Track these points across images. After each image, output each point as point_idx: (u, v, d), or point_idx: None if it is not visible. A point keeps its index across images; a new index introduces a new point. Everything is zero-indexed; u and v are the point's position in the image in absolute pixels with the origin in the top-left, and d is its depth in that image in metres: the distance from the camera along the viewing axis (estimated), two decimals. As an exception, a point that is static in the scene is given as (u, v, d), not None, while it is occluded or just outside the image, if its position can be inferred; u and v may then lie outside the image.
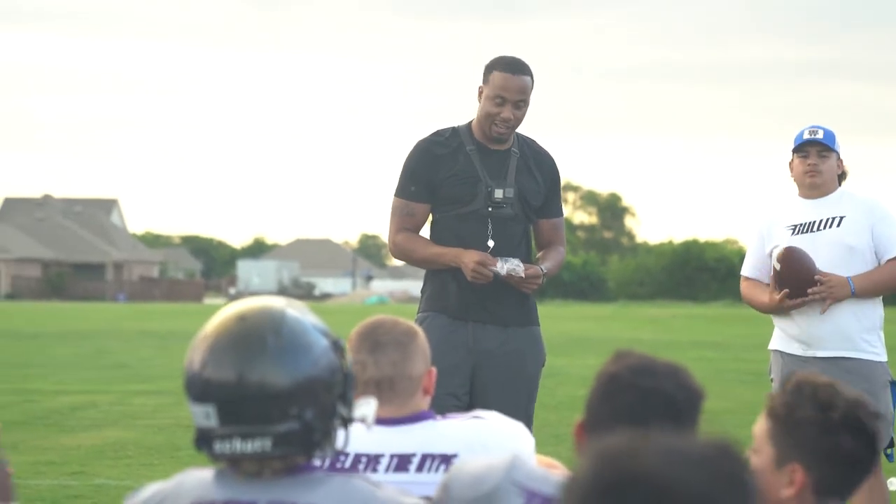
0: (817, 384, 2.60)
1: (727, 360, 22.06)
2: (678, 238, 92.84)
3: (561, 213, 5.88)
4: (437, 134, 5.72)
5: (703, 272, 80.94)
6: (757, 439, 2.60)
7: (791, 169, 6.17)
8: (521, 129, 5.74)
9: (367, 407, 2.70)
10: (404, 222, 5.71)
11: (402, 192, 5.70)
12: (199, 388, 2.51)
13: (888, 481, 6.04)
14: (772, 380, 6.21)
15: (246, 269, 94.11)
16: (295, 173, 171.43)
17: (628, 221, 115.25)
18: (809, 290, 5.91)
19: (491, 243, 5.58)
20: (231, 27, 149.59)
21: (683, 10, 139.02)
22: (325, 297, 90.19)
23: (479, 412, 3.28)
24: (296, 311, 2.56)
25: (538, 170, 5.73)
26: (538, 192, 5.71)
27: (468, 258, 5.52)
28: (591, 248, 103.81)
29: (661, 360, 2.65)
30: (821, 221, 6.05)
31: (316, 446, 2.53)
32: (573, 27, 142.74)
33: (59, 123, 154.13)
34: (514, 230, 5.66)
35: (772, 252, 6.12)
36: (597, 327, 38.42)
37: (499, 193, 5.60)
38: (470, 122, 5.71)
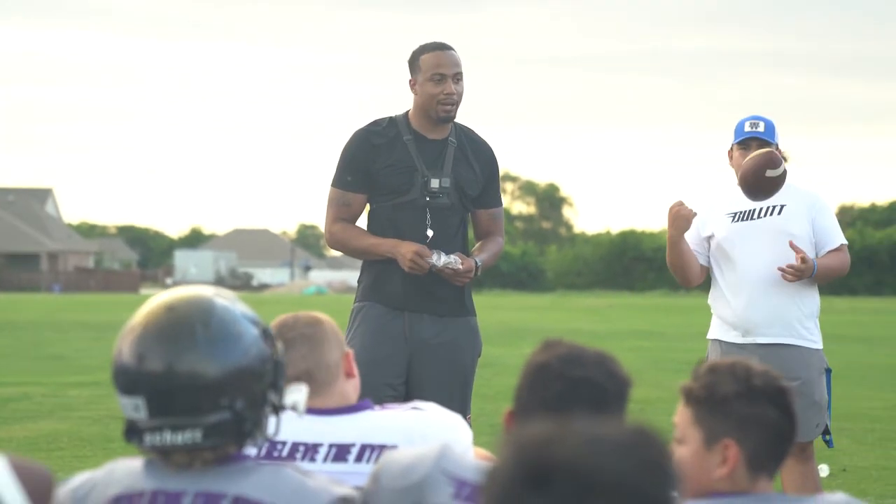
0: (729, 362, 2.63)
1: (663, 350, 22.19)
2: (615, 228, 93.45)
3: (499, 203, 5.88)
4: (375, 124, 5.71)
5: (640, 262, 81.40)
6: (680, 428, 2.61)
7: (730, 158, 6.21)
8: (459, 119, 5.74)
9: (297, 394, 2.69)
10: (340, 212, 5.70)
11: (338, 182, 5.69)
12: (127, 380, 2.49)
13: (819, 468, 6.09)
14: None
15: (183, 260, 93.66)
16: (232, 163, 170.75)
17: (566, 212, 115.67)
18: (783, 268, 5.90)
19: (430, 233, 5.58)
20: (169, 18, 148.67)
21: (623, 0, 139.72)
22: (264, 287, 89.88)
23: (417, 403, 3.29)
24: (225, 300, 2.54)
25: (476, 160, 5.73)
26: (475, 182, 5.71)
27: (405, 249, 5.52)
28: (530, 238, 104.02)
29: (589, 349, 2.67)
30: (761, 210, 6.08)
31: (247, 436, 2.51)
32: (512, 17, 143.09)
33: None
34: (451, 220, 5.66)
35: (710, 237, 6.16)
36: (535, 317, 38.53)
37: (435, 183, 5.60)
38: (407, 112, 5.70)
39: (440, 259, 5.51)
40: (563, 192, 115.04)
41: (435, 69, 5.58)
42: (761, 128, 6.11)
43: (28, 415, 12.28)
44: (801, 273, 5.91)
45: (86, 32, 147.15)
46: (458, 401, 5.47)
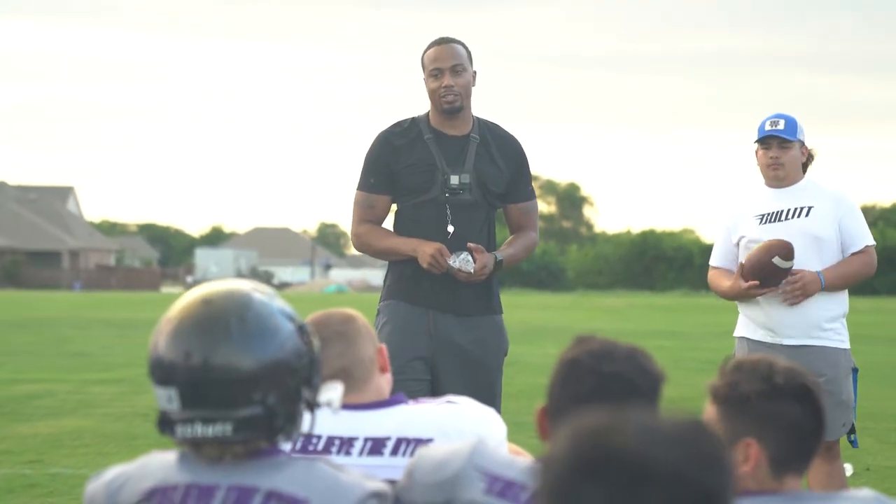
0: (754, 360, 2.63)
1: (685, 349, 22.15)
2: (636, 228, 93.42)
3: (530, 197, 5.87)
4: (397, 125, 5.75)
5: (660, 262, 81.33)
6: None
7: (756, 158, 6.19)
8: (483, 115, 5.76)
9: (332, 391, 2.70)
10: (365, 214, 5.75)
11: (362, 184, 5.75)
12: (161, 371, 2.50)
13: (844, 466, 6.08)
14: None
15: (203, 258, 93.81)
16: (253, 161, 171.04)
17: (587, 211, 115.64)
18: (781, 289, 5.94)
19: (451, 229, 5.60)
20: (191, 15, 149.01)
21: (644, 1, 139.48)
22: (284, 286, 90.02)
23: (452, 397, 3.30)
24: (262, 294, 2.55)
25: (501, 155, 5.74)
26: (499, 178, 5.71)
27: (426, 248, 5.55)
28: (550, 237, 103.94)
29: (621, 344, 2.67)
30: (788, 211, 6.07)
31: (279, 431, 2.52)
32: (535, 16, 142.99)
33: (15, 110, 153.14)
34: (475, 216, 5.67)
35: (740, 241, 6.14)
36: (556, 316, 38.52)
37: (455, 180, 5.61)
38: (427, 113, 5.74)
39: (455, 261, 5.53)
40: (584, 192, 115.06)
41: (432, 64, 5.65)
42: (781, 126, 6.09)
43: (51, 411, 12.32)
44: (803, 291, 5.91)
45: (108, 30, 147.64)
46: (484, 400, 5.47)
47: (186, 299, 2.54)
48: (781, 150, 6.08)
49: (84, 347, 21.47)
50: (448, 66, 5.63)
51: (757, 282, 5.96)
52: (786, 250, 5.89)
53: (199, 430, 2.47)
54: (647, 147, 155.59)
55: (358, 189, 5.77)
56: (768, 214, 6.08)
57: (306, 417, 2.57)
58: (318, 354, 2.60)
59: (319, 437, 3.11)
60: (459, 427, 3.13)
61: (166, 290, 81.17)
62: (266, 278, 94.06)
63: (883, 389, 14.83)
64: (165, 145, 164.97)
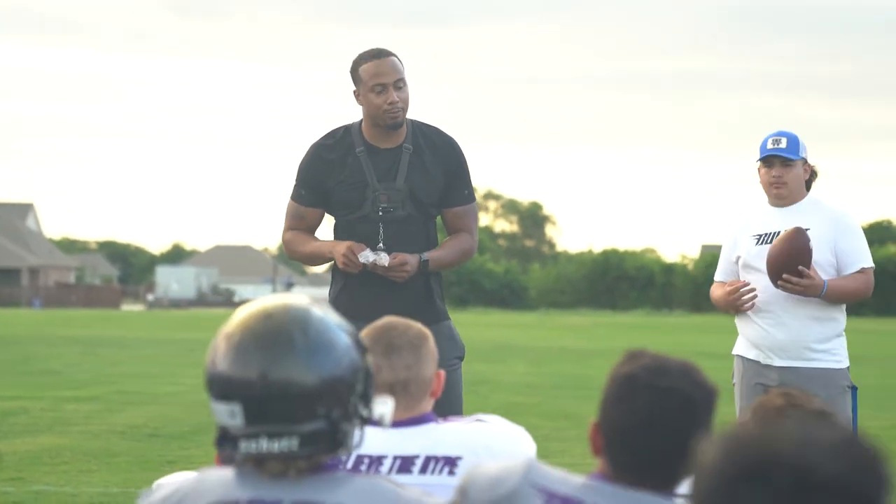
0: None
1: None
2: (598, 247, 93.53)
3: (467, 201, 5.74)
4: (329, 136, 5.69)
5: (622, 281, 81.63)
6: None
7: (759, 176, 6.19)
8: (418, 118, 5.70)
9: (384, 406, 2.67)
10: (294, 224, 5.75)
11: (294, 194, 5.74)
12: (223, 387, 2.46)
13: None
14: (734, 384, 6.25)
15: (164, 276, 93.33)
16: (214, 179, 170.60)
17: (549, 230, 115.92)
18: (784, 278, 5.89)
19: (381, 246, 5.53)
20: (152, 33, 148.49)
21: (607, 20, 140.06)
22: (245, 303, 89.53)
23: (481, 416, 3.28)
24: (319, 308, 2.53)
25: (436, 162, 5.64)
26: (433, 188, 5.62)
27: (338, 248, 5.53)
28: (513, 256, 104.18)
29: (673, 358, 2.66)
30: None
31: (340, 445, 2.49)
32: (495, 35, 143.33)
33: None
34: (411, 230, 5.59)
35: (738, 259, 6.15)
36: (521, 335, 38.57)
37: (384, 198, 5.56)
38: (360, 122, 5.66)
39: (370, 256, 5.48)
40: (546, 211, 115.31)
41: (375, 79, 5.53)
42: (783, 144, 6.07)
43: (28, 429, 12.22)
44: (805, 288, 5.89)
45: (68, 48, 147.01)
46: (444, 408, 5.42)
47: (245, 313, 2.52)
48: (784, 169, 6.08)
49: (52, 365, 21.31)
50: (391, 80, 5.53)
51: (742, 283, 5.95)
52: (804, 236, 5.89)
53: (265, 444, 2.44)
54: (608, 166, 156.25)
55: (290, 198, 5.76)
56: (765, 235, 6.09)
57: (356, 432, 2.55)
58: (372, 368, 2.58)
59: (348, 456, 3.08)
60: (489, 445, 3.11)
61: (127, 307, 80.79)
62: (227, 296, 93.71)
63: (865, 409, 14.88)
64: (126, 162, 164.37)
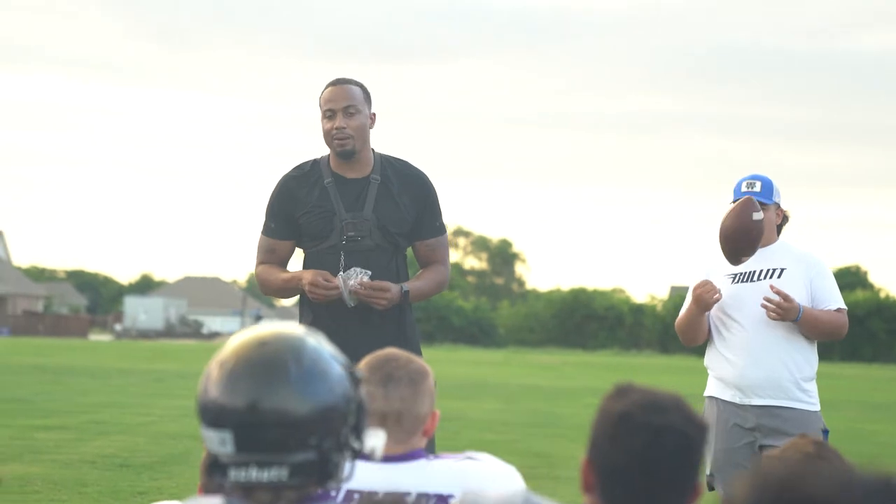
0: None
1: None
2: (566, 285, 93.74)
3: (439, 233, 5.75)
4: (298, 168, 5.73)
5: (591, 320, 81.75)
6: None
7: None
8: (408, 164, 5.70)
9: (376, 439, 2.68)
10: (265, 258, 5.76)
11: (264, 228, 5.77)
12: (215, 414, 2.46)
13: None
14: (705, 426, 6.26)
15: (133, 306, 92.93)
16: (184, 210, 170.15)
17: (518, 268, 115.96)
18: (765, 298, 5.93)
19: (341, 274, 5.52)
20: (124, 64, 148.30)
21: (577, 60, 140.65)
22: (214, 335, 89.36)
23: (472, 453, 3.28)
24: (313, 338, 2.54)
25: (404, 193, 5.66)
26: (401, 219, 5.64)
27: (306, 277, 5.53)
28: (482, 293, 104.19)
29: (663, 393, 2.66)
30: (761, 272, 6.11)
31: (329, 477, 2.50)
32: (468, 72, 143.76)
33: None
34: (379, 260, 5.59)
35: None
36: (491, 372, 38.51)
37: (351, 227, 5.57)
38: (329, 154, 5.70)
39: (349, 280, 5.45)
40: (516, 248, 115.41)
41: (326, 104, 5.61)
42: (757, 188, 6.12)
43: (-3, 457, 12.12)
44: (784, 311, 5.94)
45: (36, 75, 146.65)
46: None
47: (239, 341, 2.52)
48: None
49: (20, 393, 21.15)
50: (340, 107, 5.57)
51: (709, 282, 5.98)
52: (754, 204, 5.94)
53: (255, 474, 2.44)
54: (579, 205, 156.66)
55: (261, 232, 5.77)
56: (741, 274, 6.12)
57: (346, 465, 2.56)
58: (366, 401, 2.59)
59: (338, 490, 3.09)
60: (480, 483, 3.11)
61: (95, 337, 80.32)
62: (196, 327, 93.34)
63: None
64: (95, 192, 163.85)
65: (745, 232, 5.89)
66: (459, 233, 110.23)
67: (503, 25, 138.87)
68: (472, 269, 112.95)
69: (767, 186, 6.14)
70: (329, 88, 5.63)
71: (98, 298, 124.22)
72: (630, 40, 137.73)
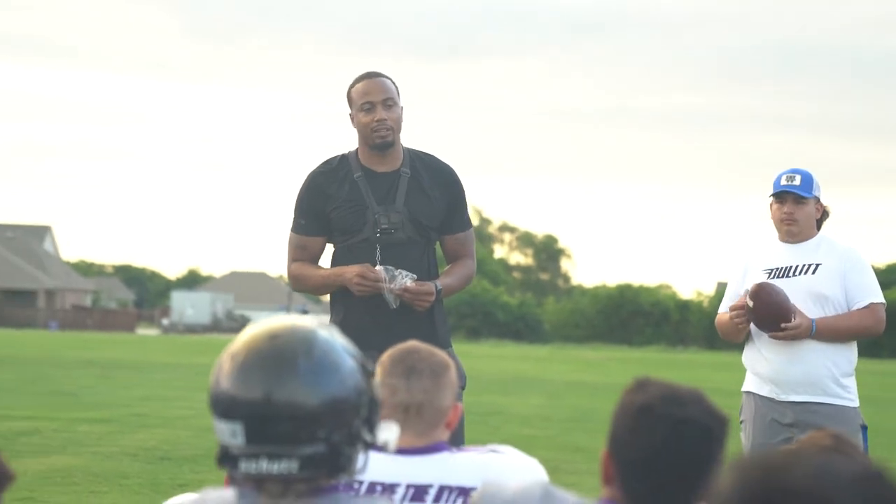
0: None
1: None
2: (612, 281, 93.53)
3: (466, 227, 5.78)
4: (326, 164, 5.71)
5: (637, 316, 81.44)
6: None
7: (770, 211, 6.21)
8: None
9: (389, 432, 2.69)
10: (297, 255, 5.72)
11: (294, 225, 5.73)
12: (226, 405, 2.48)
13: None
14: (742, 422, 6.24)
15: (180, 301, 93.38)
16: (231, 205, 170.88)
17: (564, 263, 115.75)
18: (776, 335, 5.96)
19: (380, 268, 5.51)
20: (172, 59, 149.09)
21: (622, 56, 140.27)
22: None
23: (495, 446, 3.29)
24: (326, 331, 2.56)
25: (434, 187, 5.66)
26: (432, 211, 5.64)
27: (349, 273, 5.50)
28: (527, 289, 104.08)
29: (683, 386, 2.65)
30: (796, 267, 6.08)
31: (341, 470, 2.51)
32: (514, 68, 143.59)
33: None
34: (411, 254, 5.59)
35: (747, 292, 6.16)
36: (535, 368, 38.50)
37: (385, 219, 5.57)
38: (357, 150, 5.69)
39: (394, 282, 5.45)
40: (562, 244, 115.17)
41: (364, 98, 5.58)
42: (797, 181, 6.09)
43: (40, 449, 12.24)
44: (794, 334, 5.94)
45: (88, 72, 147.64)
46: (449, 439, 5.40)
47: (251, 333, 2.53)
48: (796, 206, 6.10)
49: (66, 386, 21.35)
50: (379, 99, 5.56)
51: (742, 309, 5.99)
52: (750, 293, 5.98)
53: (265, 465, 2.45)
54: (625, 201, 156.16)
55: (291, 230, 5.75)
56: (777, 269, 6.10)
57: (360, 457, 2.56)
58: (378, 393, 2.59)
59: (361, 483, 3.10)
60: (502, 475, 3.11)
61: (142, 331, 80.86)
62: (242, 322, 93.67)
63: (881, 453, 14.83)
64: (143, 187, 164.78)
65: (774, 309, 5.97)
66: (505, 228, 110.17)
67: (549, 20, 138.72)
68: (518, 265, 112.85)
69: (807, 180, 6.10)
70: (364, 82, 5.63)
71: (145, 293, 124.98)
72: (677, 38, 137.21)
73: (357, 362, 2.54)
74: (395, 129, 5.58)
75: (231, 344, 2.55)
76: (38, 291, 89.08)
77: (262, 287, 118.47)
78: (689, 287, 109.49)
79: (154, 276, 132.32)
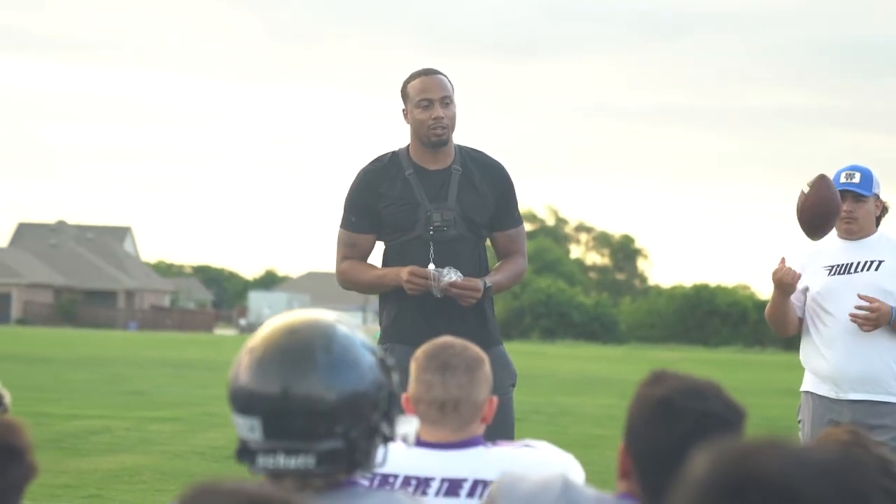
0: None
1: (740, 405, 21.96)
2: (689, 282, 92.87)
3: (517, 224, 5.76)
4: (377, 161, 5.69)
5: (714, 317, 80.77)
6: None
7: None
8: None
9: (408, 425, 2.70)
10: (347, 252, 5.69)
11: (344, 223, 5.70)
12: (244, 400, 2.49)
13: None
14: (800, 422, 6.18)
15: (257, 301, 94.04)
16: (308, 206, 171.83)
17: (640, 264, 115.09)
18: (853, 312, 5.86)
19: (431, 266, 5.51)
20: (248, 60, 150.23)
21: (700, 56, 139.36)
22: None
23: (529, 441, 3.29)
24: (345, 326, 2.56)
25: (485, 184, 5.64)
26: (484, 208, 5.62)
27: (402, 273, 5.48)
28: (603, 289, 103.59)
29: (701, 379, 2.63)
30: (858, 264, 6.01)
31: (359, 465, 2.52)
32: (587, 69, 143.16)
33: (74, 150, 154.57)
34: (462, 250, 5.58)
35: (806, 289, 6.09)
36: (608, 368, 38.36)
37: (437, 217, 5.55)
38: (408, 146, 5.67)
39: (441, 279, 5.44)
40: (638, 244, 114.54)
41: (421, 95, 5.55)
42: (857, 179, 6.03)
43: (110, 448, 12.40)
44: (875, 321, 5.85)
45: (166, 74, 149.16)
46: (497, 434, 5.39)
47: (270, 328, 2.54)
48: (856, 204, 6.03)
49: (140, 386, 21.58)
50: (438, 97, 5.54)
51: (783, 266, 5.92)
52: (810, 181, 5.90)
53: (282, 461, 2.46)
54: (702, 201, 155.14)
55: (340, 227, 5.71)
56: (838, 266, 6.04)
57: (380, 451, 2.56)
58: (398, 387, 2.60)
59: (396, 477, 3.11)
60: (538, 470, 3.12)
61: (220, 332, 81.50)
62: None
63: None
64: (222, 188, 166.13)
65: (824, 204, 5.83)
66: (581, 228, 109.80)
67: (628, 21, 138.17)
68: (594, 265, 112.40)
69: (867, 177, 6.04)
70: (421, 78, 5.61)
71: (223, 293, 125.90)
72: (751, 36, 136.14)
73: (376, 357, 2.55)
74: (451, 127, 5.57)
75: (251, 338, 2.56)
76: (118, 292, 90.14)
77: (338, 287, 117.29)
78: (768, 287, 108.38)
79: (232, 277, 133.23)
